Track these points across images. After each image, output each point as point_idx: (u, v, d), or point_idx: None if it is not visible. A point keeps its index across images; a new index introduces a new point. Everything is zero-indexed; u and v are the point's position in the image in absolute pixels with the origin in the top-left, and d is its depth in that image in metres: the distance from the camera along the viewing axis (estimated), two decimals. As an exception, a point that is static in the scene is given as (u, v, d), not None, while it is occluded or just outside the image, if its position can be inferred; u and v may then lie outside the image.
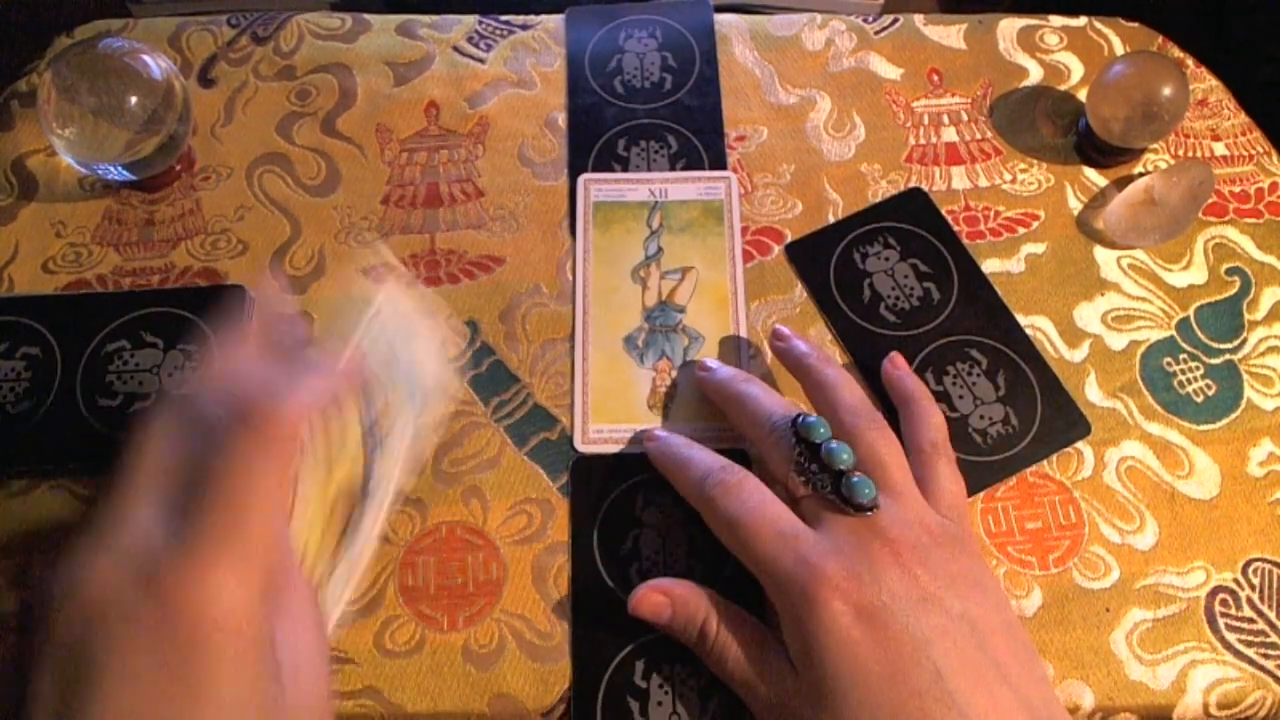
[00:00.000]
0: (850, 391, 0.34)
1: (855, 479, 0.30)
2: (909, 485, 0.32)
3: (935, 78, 0.46)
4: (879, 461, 0.32)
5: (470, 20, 0.47)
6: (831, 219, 0.42)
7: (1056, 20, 0.47)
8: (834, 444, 0.31)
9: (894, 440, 0.33)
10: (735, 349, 0.39)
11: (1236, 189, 0.43)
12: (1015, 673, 0.28)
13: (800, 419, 0.32)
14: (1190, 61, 0.46)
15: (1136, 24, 0.47)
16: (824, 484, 0.31)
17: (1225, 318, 0.40)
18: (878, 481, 0.31)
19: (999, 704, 0.27)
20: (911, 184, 0.43)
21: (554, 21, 0.47)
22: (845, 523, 0.30)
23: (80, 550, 0.21)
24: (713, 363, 0.37)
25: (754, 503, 0.31)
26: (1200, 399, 0.39)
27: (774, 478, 0.33)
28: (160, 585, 0.20)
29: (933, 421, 0.35)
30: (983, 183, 0.43)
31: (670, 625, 0.32)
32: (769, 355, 0.39)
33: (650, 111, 0.45)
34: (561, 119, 0.45)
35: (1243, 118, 0.45)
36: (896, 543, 0.30)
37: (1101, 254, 0.42)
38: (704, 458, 0.34)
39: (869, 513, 0.30)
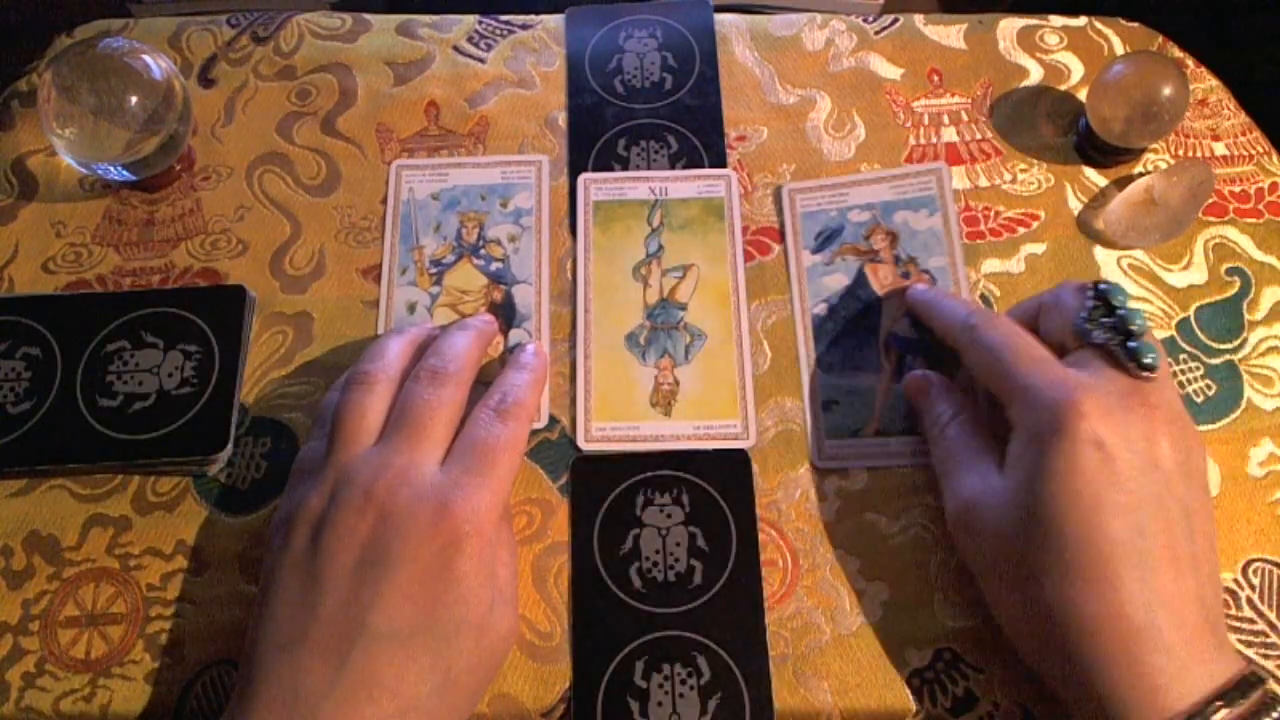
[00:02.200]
0: None
1: (1145, 341, 0.31)
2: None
3: (935, 78, 0.46)
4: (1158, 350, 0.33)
5: (470, 20, 0.47)
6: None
7: (1057, 20, 0.47)
8: (1133, 309, 0.32)
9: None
10: (739, 346, 0.39)
11: (1236, 189, 0.43)
12: (1205, 572, 0.30)
13: (1103, 283, 0.33)
14: (1190, 61, 0.46)
15: (1136, 24, 0.47)
16: (1114, 338, 0.32)
17: (1225, 318, 0.40)
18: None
19: (1181, 589, 0.29)
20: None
21: (554, 21, 0.47)
22: (1116, 376, 0.31)
23: (390, 484, 0.30)
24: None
25: (1016, 332, 0.34)
26: (1200, 399, 0.39)
27: (1047, 339, 0.34)
28: (438, 504, 0.30)
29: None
30: (983, 183, 0.43)
31: (920, 407, 0.37)
32: (770, 354, 0.39)
33: (650, 111, 0.45)
34: (562, 119, 0.45)
35: (1243, 118, 0.45)
36: (1156, 409, 0.31)
37: (1101, 254, 0.42)
38: (964, 303, 0.37)
39: (1146, 376, 0.31)
